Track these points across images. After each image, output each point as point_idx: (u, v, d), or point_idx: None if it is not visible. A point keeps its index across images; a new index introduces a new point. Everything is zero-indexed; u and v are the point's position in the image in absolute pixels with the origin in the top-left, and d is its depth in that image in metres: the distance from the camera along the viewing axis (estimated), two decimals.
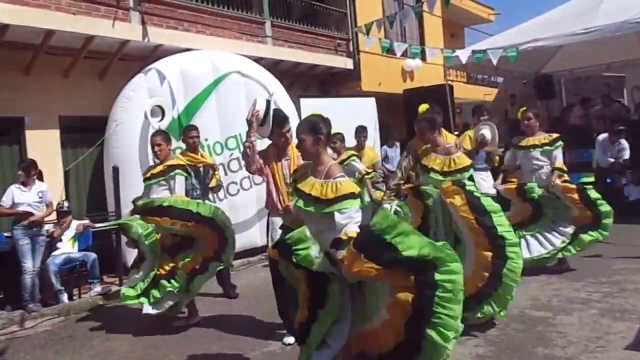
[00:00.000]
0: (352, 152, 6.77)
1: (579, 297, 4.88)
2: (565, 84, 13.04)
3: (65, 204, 6.92)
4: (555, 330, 4.12)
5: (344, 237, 2.85)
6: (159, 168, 5.11)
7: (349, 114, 9.24)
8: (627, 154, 8.98)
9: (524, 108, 6.15)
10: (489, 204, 4.34)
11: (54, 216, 6.70)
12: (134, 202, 5.26)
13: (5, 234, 6.49)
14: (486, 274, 4.13)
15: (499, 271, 4.12)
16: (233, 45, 9.32)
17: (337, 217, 2.91)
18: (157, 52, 8.30)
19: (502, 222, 4.26)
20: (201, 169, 5.98)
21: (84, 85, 7.99)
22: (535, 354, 3.72)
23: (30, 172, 6.21)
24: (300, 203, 3.07)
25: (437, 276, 2.70)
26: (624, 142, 9.02)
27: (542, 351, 3.75)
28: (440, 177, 4.48)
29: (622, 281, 5.29)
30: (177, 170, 5.08)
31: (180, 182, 5.09)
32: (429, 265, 2.71)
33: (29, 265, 5.95)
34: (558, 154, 5.81)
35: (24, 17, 6.72)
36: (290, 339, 4.30)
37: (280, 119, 4.33)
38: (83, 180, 8.13)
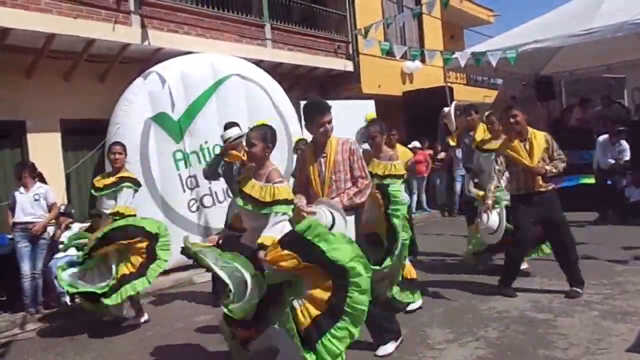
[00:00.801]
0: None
1: (580, 299, 4.88)
2: (565, 85, 13.06)
3: (67, 206, 6.93)
4: (556, 332, 4.12)
5: (267, 242, 3.18)
6: (112, 179, 5.29)
7: (350, 116, 9.23)
8: (627, 155, 8.96)
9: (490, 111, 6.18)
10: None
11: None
12: (90, 214, 5.44)
13: (9, 236, 6.50)
14: None
15: None
16: (233, 48, 9.35)
17: (272, 218, 3.29)
18: (158, 55, 8.32)
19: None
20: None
21: (85, 89, 8.02)
22: (536, 356, 3.72)
23: (21, 174, 6.20)
24: (240, 202, 3.44)
25: (351, 285, 3.12)
26: (625, 143, 9.01)
27: (543, 353, 3.75)
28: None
29: (623, 283, 5.28)
30: (126, 183, 5.27)
31: (127, 195, 5.27)
32: (347, 272, 3.11)
33: (27, 268, 5.96)
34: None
35: (25, 20, 6.75)
36: None
37: (322, 105, 3.91)
38: (84, 183, 8.15)
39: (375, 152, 5.00)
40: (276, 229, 3.27)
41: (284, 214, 3.31)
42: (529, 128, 5.13)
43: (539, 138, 5.08)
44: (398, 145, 7.37)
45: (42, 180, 6.49)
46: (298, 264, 3.10)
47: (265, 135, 3.51)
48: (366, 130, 5.17)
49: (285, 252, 3.09)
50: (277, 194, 3.31)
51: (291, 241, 3.14)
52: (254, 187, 3.40)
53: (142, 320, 5.37)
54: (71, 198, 7.83)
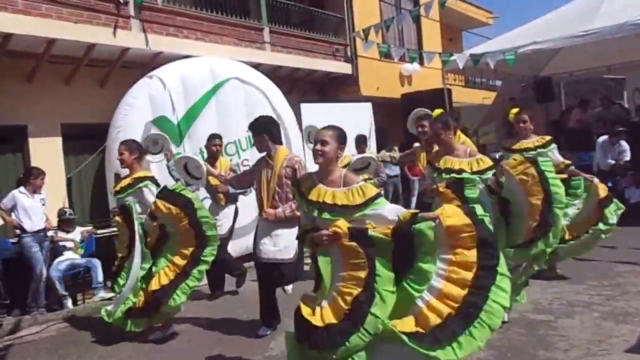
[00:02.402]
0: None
1: (580, 300, 4.89)
2: (565, 86, 13.05)
3: (68, 211, 6.96)
4: (557, 333, 4.13)
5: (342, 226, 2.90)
6: (127, 181, 4.95)
7: (349, 119, 9.27)
8: (627, 156, 8.94)
9: (517, 109, 6.03)
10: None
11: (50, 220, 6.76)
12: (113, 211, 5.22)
13: (12, 240, 6.52)
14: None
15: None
16: (232, 52, 9.37)
17: (376, 214, 2.94)
18: (158, 60, 8.35)
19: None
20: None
21: (86, 93, 8.04)
22: (537, 358, 3.73)
23: (37, 177, 6.29)
24: (325, 214, 3.00)
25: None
26: (624, 144, 9.00)
27: (543, 354, 3.76)
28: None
29: (624, 284, 5.30)
30: (145, 182, 4.89)
31: (149, 196, 4.85)
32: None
33: (43, 272, 6.00)
34: (557, 155, 5.75)
35: (26, 26, 6.78)
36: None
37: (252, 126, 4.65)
38: (85, 187, 8.17)
39: (446, 150, 4.54)
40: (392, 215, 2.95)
41: (382, 207, 2.98)
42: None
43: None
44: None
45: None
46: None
47: (340, 135, 3.19)
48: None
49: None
50: (366, 192, 2.99)
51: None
52: (335, 195, 3.03)
53: (169, 332, 4.94)
54: (73, 202, 7.84)
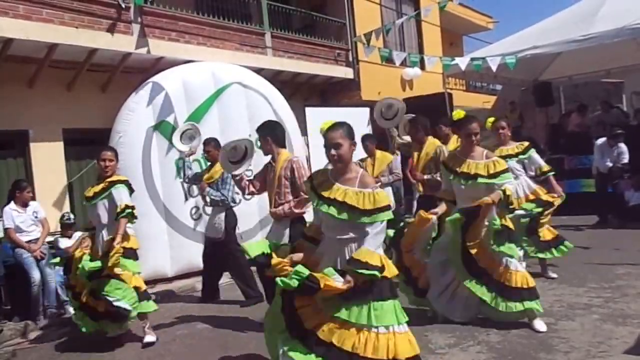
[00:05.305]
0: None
1: (580, 303, 4.90)
2: (564, 90, 13.11)
3: (71, 216, 6.97)
4: (557, 335, 4.13)
5: (366, 259, 2.88)
6: (101, 185, 4.88)
7: (353, 123, 9.29)
8: (626, 158, 8.96)
9: (493, 118, 6.14)
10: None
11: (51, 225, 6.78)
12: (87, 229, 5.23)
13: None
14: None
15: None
16: (234, 57, 9.42)
17: (372, 228, 2.96)
18: (159, 64, 8.39)
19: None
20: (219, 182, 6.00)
21: (87, 98, 8.08)
22: None
23: (23, 191, 6.25)
24: (333, 210, 3.01)
25: None
26: (623, 146, 9.00)
27: (544, 357, 3.76)
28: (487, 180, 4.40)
29: (623, 286, 5.30)
30: (119, 185, 4.86)
31: (124, 192, 4.86)
32: None
33: (37, 276, 5.99)
34: (537, 158, 5.85)
35: (27, 31, 6.82)
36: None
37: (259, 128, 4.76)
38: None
39: (462, 151, 4.61)
40: (377, 241, 2.99)
41: (382, 222, 3.00)
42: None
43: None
44: (376, 151, 7.54)
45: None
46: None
47: (349, 131, 3.15)
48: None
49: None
50: (378, 200, 2.97)
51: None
52: (346, 193, 3.02)
53: (146, 340, 4.91)
54: (74, 207, 7.86)
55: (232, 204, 6.17)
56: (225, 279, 6.62)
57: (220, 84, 8.14)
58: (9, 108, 7.26)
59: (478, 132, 4.52)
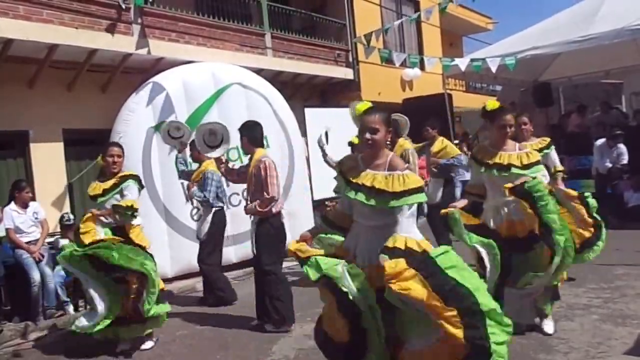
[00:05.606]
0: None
1: (580, 303, 4.91)
2: (564, 91, 13.10)
3: (71, 216, 6.98)
4: (557, 336, 4.14)
5: (400, 245, 2.71)
6: (112, 181, 4.81)
7: (343, 124, 9.29)
8: (625, 159, 8.96)
9: (515, 113, 6.04)
10: None
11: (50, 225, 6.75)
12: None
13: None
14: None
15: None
16: (234, 57, 9.42)
17: (404, 211, 2.80)
18: (159, 65, 8.39)
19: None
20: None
21: (87, 98, 8.08)
22: None
23: (23, 191, 6.26)
24: (361, 196, 2.88)
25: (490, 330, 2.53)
26: (622, 147, 9.01)
27: (544, 357, 3.77)
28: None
29: (623, 287, 5.31)
30: (130, 180, 4.82)
31: (134, 189, 4.83)
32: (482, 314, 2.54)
33: (37, 276, 6.00)
34: (555, 156, 5.78)
35: (28, 31, 6.82)
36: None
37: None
38: (87, 192, 8.17)
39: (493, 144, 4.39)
40: (410, 225, 2.82)
41: (412, 205, 2.82)
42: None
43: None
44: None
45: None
46: (427, 296, 2.53)
47: (388, 118, 3.01)
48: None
49: (419, 279, 2.57)
50: (408, 182, 2.81)
51: (423, 264, 2.63)
52: (375, 178, 2.88)
53: (143, 347, 4.84)
54: (74, 208, 7.86)
55: (216, 205, 6.10)
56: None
57: (221, 84, 8.15)
58: (9, 108, 7.27)
59: (513, 124, 4.33)
